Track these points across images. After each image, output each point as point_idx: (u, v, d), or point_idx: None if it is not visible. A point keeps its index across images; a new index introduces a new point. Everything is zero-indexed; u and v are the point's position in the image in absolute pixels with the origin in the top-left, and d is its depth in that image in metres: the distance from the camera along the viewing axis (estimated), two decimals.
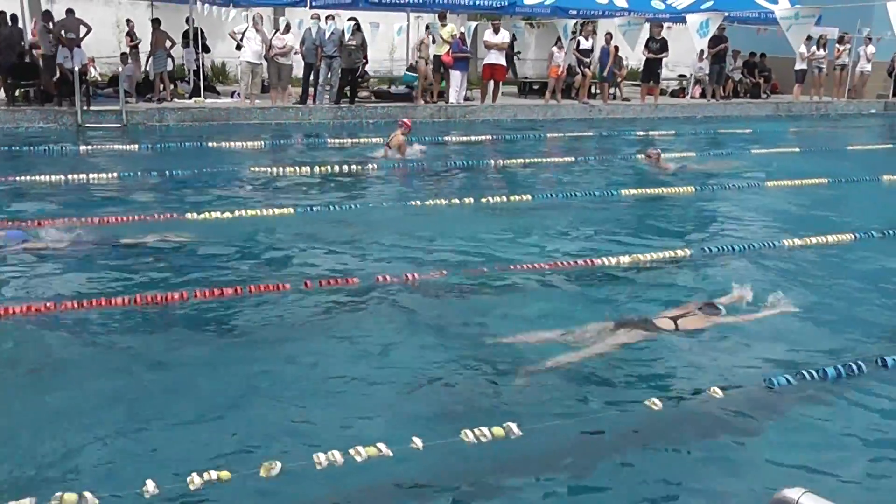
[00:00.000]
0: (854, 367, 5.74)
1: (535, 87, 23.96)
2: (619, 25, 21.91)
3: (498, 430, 4.76)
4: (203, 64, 19.77)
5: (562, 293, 7.36)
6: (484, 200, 10.70)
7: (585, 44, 21.92)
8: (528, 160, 14.11)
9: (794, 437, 5.03)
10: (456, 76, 20.18)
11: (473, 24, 21.89)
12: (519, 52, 23.88)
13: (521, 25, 24.69)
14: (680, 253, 8.49)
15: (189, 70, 19.99)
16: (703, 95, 24.08)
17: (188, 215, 9.34)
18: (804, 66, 24.46)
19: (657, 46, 22.23)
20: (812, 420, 5.21)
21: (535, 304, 7.01)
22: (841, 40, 25.07)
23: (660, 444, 4.88)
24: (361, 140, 16.04)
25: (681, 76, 26.74)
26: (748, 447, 4.89)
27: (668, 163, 13.89)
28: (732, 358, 6.00)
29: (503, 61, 20.55)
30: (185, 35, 20.02)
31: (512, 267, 7.81)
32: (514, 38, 23.31)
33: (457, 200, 10.61)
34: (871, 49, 25.09)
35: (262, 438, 4.79)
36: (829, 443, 4.96)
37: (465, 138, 17.02)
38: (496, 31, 20.36)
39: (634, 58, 26.01)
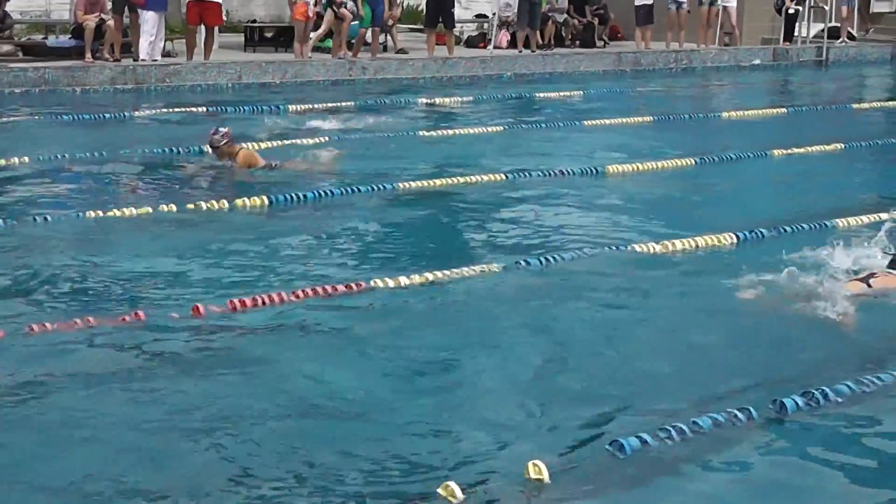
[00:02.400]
0: (740, 415, 6.06)
1: (269, 34, 24.04)
2: None
3: None
4: None
5: (320, 334, 7.44)
6: (191, 207, 10.65)
7: None
8: (261, 145, 14.10)
9: None
10: (149, 20, 19.96)
11: None
12: None
13: None
14: (491, 268, 8.73)
15: None
16: (512, 44, 24.87)
17: None
18: (648, 1, 25.67)
19: None
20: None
21: (276, 353, 7.02)
22: None
23: None
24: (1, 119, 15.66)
25: (480, 17, 27.52)
26: None
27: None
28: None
29: None
30: None
31: (240, 304, 7.81)
32: None
33: (150, 208, 10.52)
34: None
35: None
36: None
37: (164, 113, 16.86)
38: None
39: None
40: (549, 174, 12.79)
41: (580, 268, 8.99)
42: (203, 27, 20.79)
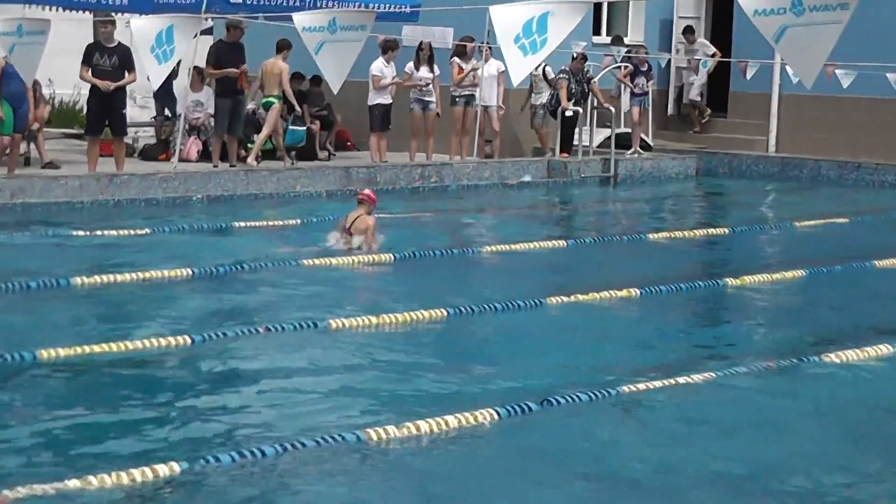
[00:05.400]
0: None
1: None
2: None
3: None
4: None
5: None
6: None
7: None
8: None
9: None
10: None
11: None
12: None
13: None
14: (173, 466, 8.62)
15: None
16: (206, 156, 24.81)
17: None
18: (385, 100, 26.01)
19: (114, 62, 22.66)
20: None
21: None
22: (462, 54, 26.89)
23: None
24: None
25: (164, 118, 27.41)
26: None
27: None
28: None
29: None
30: None
31: None
32: None
33: None
34: (493, 67, 27.17)
35: None
36: None
37: None
38: None
39: (65, 86, 26.45)
40: (256, 332, 12.71)
41: (288, 462, 8.98)
42: None
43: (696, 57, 31.44)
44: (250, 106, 25.66)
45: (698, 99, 32.24)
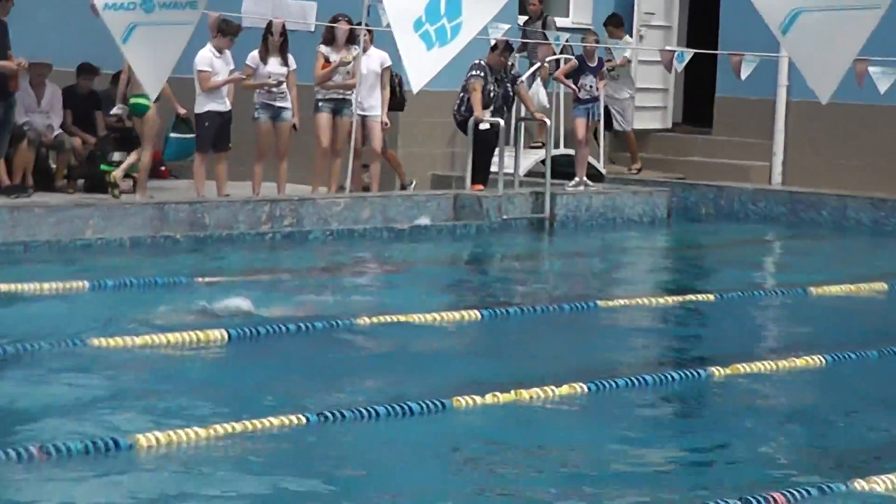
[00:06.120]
0: None
1: None
2: None
3: None
4: None
5: None
6: None
7: None
8: None
9: None
10: None
11: None
12: None
13: None
14: None
15: None
16: None
17: None
18: (220, 106, 26.05)
19: None
20: None
21: None
22: (330, 41, 26.89)
23: None
24: None
25: None
26: None
27: None
28: None
29: None
30: None
31: None
32: None
33: None
34: (375, 60, 27.30)
35: None
36: None
37: None
38: None
39: None
40: (28, 455, 12.35)
41: None
42: None
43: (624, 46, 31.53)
44: (116, 110, 25.49)
45: (628, 129, 32.28)
